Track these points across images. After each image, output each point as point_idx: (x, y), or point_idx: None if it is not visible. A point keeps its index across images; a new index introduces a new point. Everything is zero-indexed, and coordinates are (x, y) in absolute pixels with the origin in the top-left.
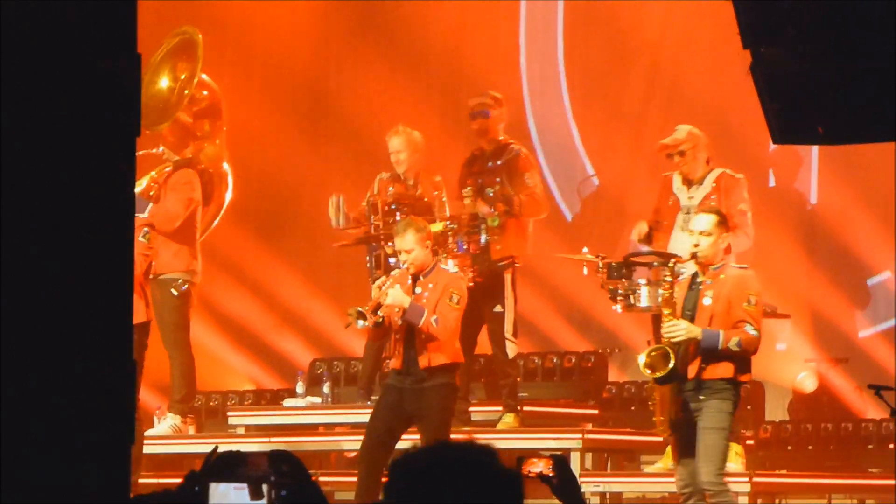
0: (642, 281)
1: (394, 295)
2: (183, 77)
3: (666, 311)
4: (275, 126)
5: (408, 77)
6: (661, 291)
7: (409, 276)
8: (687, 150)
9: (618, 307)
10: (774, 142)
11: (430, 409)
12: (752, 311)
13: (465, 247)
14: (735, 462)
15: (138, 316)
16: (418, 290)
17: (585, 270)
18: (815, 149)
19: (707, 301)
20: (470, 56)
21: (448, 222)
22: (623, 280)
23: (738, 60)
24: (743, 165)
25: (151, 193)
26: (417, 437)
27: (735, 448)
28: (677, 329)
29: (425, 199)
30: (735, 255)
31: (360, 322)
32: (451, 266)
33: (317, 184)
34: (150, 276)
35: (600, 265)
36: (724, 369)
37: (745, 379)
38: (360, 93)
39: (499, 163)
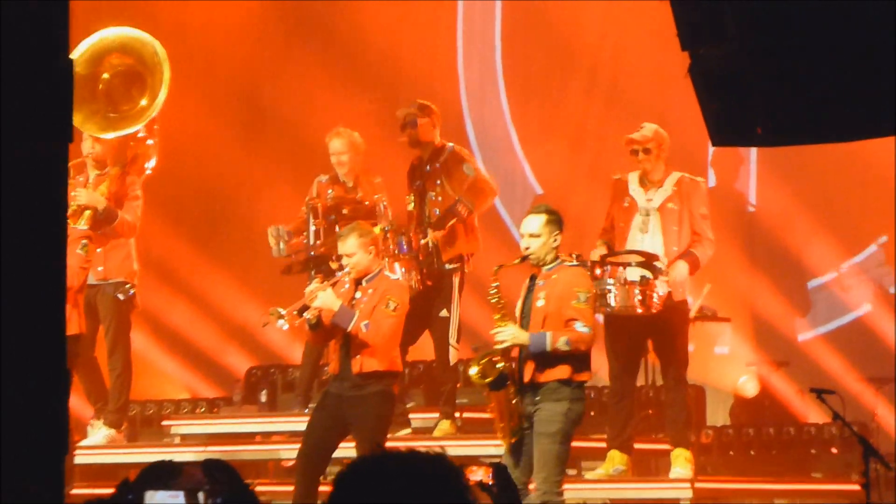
0: (611, 281)
1: (323, 297)
2: (146, 99)
3: (495, 316)
4: (210, 128)
5: (345, 79)
6: (492, 293)
7: (350, 282)
8: (653, 148)
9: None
10: (713, 143)
11: (364, 418)
12: (582, 307)
13: (406, 247)
14: (684, 468)
15: (71, 327)
16: (358, 294)
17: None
18: (753, 151)
19: (540, 303)
20: (408, 57)
21: (384, 225)
22: (597, 280)
23: (678, 62)
24: (683, 167)
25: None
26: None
27: (684, 454)
28: (503, 334)
29: (366, 203)
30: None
31: (280, 322)
32: (397, 271)
33: (253, 187)
34: (95, 283)
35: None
36: (559, 371)
37: (583, 378)
38: (296, 95)
39: (437, 165)
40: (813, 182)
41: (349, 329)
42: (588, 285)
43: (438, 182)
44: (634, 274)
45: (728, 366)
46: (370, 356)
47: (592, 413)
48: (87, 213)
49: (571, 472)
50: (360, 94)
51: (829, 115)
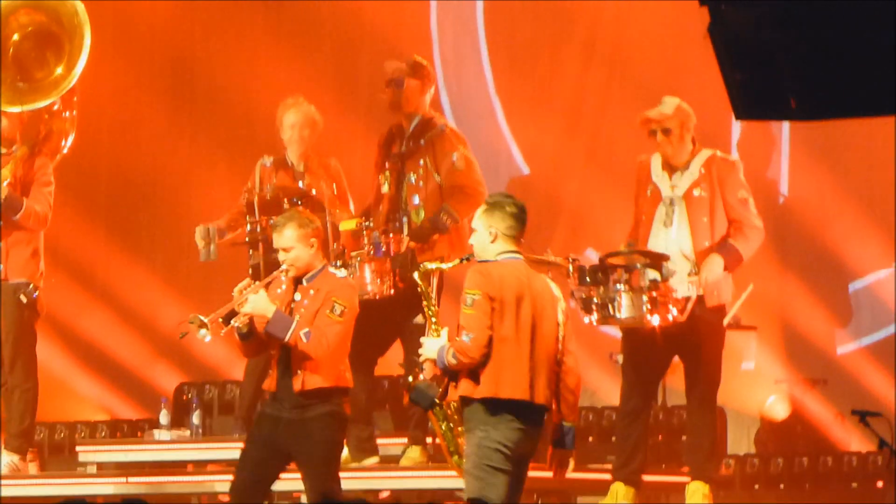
0: (621, 287)
1: (254, 302)
2: (62, 67)
3: (432, 326)
4: (129, 99)
5: (295, 44)
6: (468, 299)
7: (288, 281)
8: (673, 127)
9: (592, 319)
10: (737, 117)
11: (310, 445)
12: (467, 313)
13: (383, 249)
14: None
15: None
16: (297, 296)
17: (549, 275)
18: (785, 130)
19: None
20: (370, 19)
21: (363, 219)
22: (599, 286)
23: (693, 22)
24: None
25: (4, 186)
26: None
27: (702, 489)
28: (422, 349)
29: (313, 192)
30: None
31: (202, 332)
32: (342, 271)
33: (182, 170)
34: None
35: (570, 269)
36: (463, 387)
37: (485, 395)
38: (235, 58)
39: (421, 142)
40: (854, 168)
41: (286, 339)
42: (478, 284)
43: (422, 163)
44: (643, 278)
45: (753, 384)
46: (313, 371)
47: (591, 439)
48: None
49: None
50: (314, 62)
51: (875, 84)
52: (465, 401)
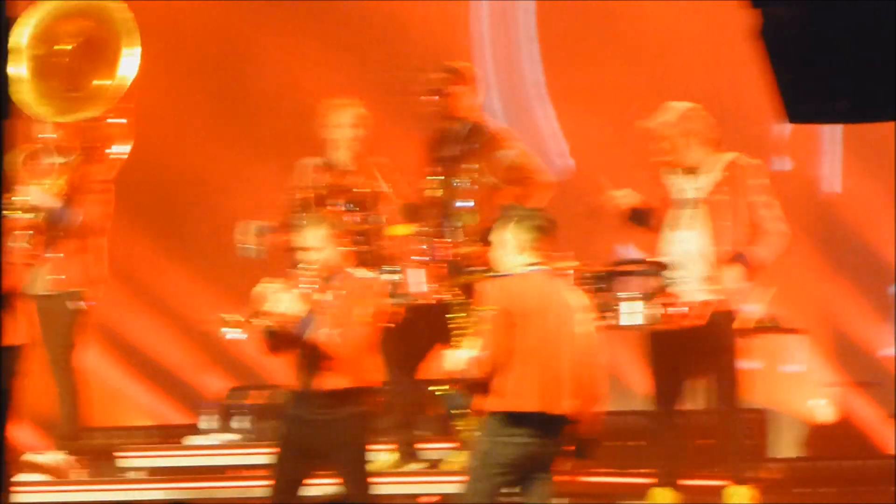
0: (622, 294)
1: (287, 301)
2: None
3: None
4: (175, 105)
5: (340, 46)
6: (487, 314)
7: (316, 281)
8: (674, 134)
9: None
10: (790, 121)
11: (342, 445)
12: (482, 328)
13: (436, 254)
14: None
15: (9, 336)
16: (326, 296)
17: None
18: (836, 129)
19: None
20: (419, 20)
21: (419, 225)
22: (602, 293)
23: (743, 23)
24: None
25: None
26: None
27: (740, 491)
28: (448, 360)
29: (367, 190)
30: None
31: (237, 331)
32: (367, 273)
33: (225, 176)
34: (47, 293)
35: (586, 274)
36: (483, 399)
37: (501, 408)
38: (280, 63)
39: (476, 146)
40: None
41: (315, 339)
42: (495, 299)
43: (476, 166)
44: (644, 286)
45: (801, 387)
46: (341, 371)
47: (616, 443)
48: (40, 215)
49: None
50: (359, 63)
51: None
52: (492, 413)
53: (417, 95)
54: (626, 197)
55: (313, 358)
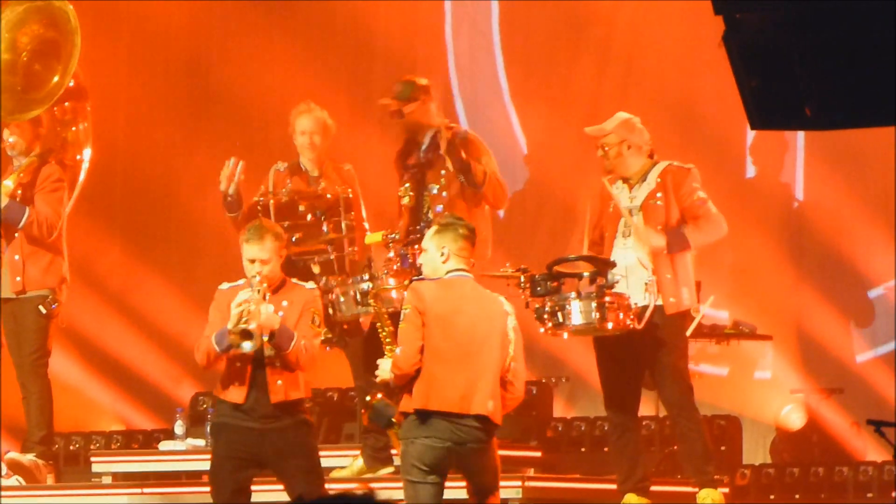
0: (571, 294)
1: (267, 314)
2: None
3: (387, 347)
4: (144, 108)
5: (309, 50)
6: (402, 315)
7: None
8: (610, 143)
9: (546, 328)
10: (752, 127)
11: (293, 452)
12: (402, 327)
13: (409, 261)
14: None
15: None
16: (270, 308)
17: (513, 288)
18: (800, 136)
19: None
20: (385, 23)
21: (388, 231)
22: (549, 295)
23: (709, 30)
24: (715, 155)
25: (18, 194)
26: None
27: (712, 495)
28: (378, 370)
29: (328, 196)
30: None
31: (247, 345)
32: (309, 284)
33: (196, 180)
34: (10, 297)
35: (521, 279)
36: (402, 401)
37: (416, 406)
38: (249, 66)
39: (441, 152)
40: (870, 173)
41: (289, 350)
42: (409, 300)
43: (443, 172)
44: (591, 285)
45: (769, 393)
46: (295, 383)
47: (607, 449)
48: None
49: None
50: (327, 68)
51: (889, 94)
52: (404, 414)
53: (383, 109)
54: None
55: (261, 370)
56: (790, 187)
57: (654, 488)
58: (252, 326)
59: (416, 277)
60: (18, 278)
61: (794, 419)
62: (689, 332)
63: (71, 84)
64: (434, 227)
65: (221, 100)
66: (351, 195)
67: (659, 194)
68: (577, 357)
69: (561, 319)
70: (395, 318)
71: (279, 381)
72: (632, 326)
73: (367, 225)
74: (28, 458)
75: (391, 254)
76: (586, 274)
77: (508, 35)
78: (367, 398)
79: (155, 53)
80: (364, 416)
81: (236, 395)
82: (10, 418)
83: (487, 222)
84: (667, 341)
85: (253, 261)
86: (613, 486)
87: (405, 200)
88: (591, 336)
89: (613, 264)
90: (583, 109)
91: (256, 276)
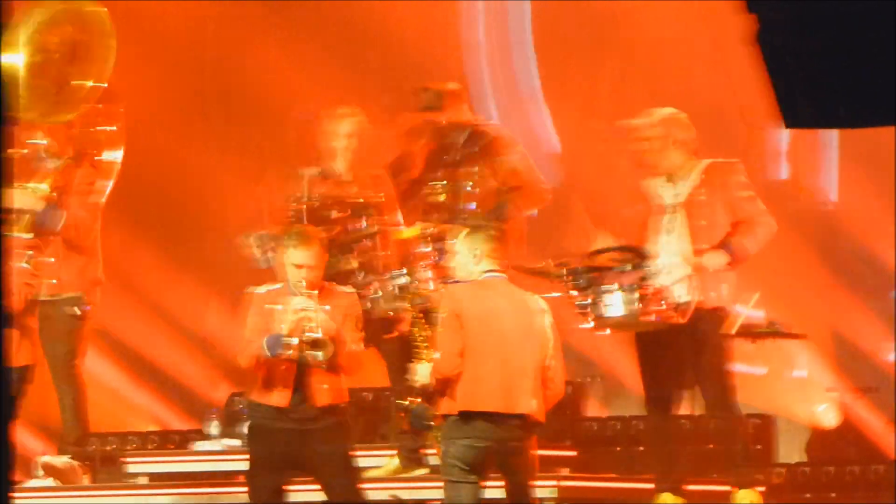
0: (614, 286)
1: (326, 321)
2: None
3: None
4: (173, 114)
5: (338, 54)
6: (438, 319)
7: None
8: (654, 137)
9: (587, 323)
10: (787, 126)
11: (331, 455)
12: (437, 332)
13: (446, 255)
14: None
15: (20, 357)
16: (314, 313)
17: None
18: (833, 136)
19: None
20: (410, 22)
21: (425, 226)
22: (589, 288)
23: (740, 26)
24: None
25: (54, 197)
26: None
27: (750, 496)
28: (416, 374)
29: (361, 200)
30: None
31: (320, 354)
32: (348, 288)
33: (226, 182)
34: (47, 299)
35: (564, 273)
36: (443, 404)
37: (456, 409)
38: (265, 67)
39: (475, 149)
40: None
41: (340, 356)
42: (443, 304)
43: (476, 170)
44: (631, 276)
45: (804, 392)
46: (338, 386)
47: (642, 448)
48: (25, 217)
49: None
50: (357, 72)
51: None
52: (445, 417)
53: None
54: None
55: (305, 373)
56: (822, 190)
57: (689, 487)
58: (319, 335)
59: (448, 282)
60: (54, 281)
61: (830, 418)
62: (733, 331)
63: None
64: (464, 231)
65: (252, 103)
66: (384, 199)
67: (703, 190)
68: (609, 357)
69: (603, 311)
70: (428, 315)
71: (325, 385)
72: (674, 319)
73: (403, 228)
74: (63, 460)
75: (429, 248)
76: (628, 266)
77: (539, 32)
78: (407, 402)
79: (184, 58)
80: (401, 419)
81: (279, 398)
82: (46, 419)
83: (521, 220)
84: (708, 339)
85: (300, 266)
86: (648, 486)
87: (441, 198)
88: (633, 332)
89: (651, 254)
90: (608, 110)
91: (302, 281)
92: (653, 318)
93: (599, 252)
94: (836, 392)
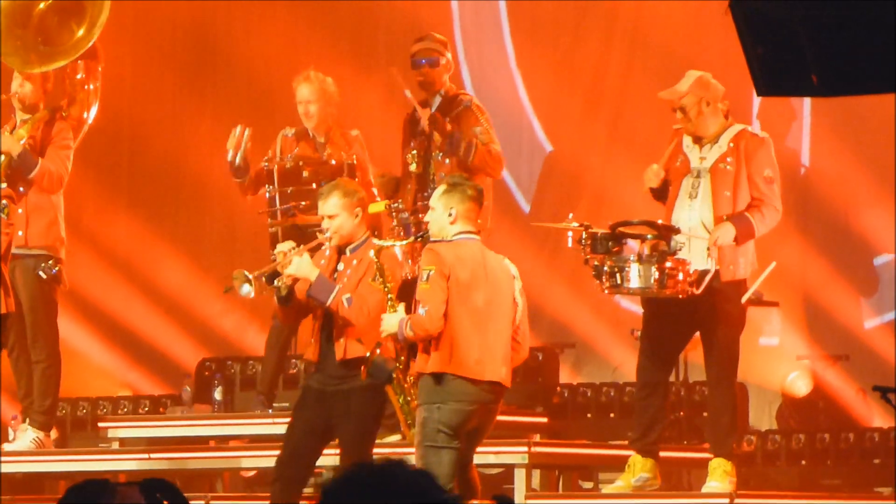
0: (632, 257)
1: (298, 264)
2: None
3: (388, 302)
4: (149, 74)
5: (312, 15)
6: (424, 275)
7: (332, 250)
8: (688, 105)
9: (603, 287)
10: (759, 93)
11: (348, 417)
12: (423, 287)
13: (412, 230)
14: (722, 481)
15: None
16: (340, 266)
17: (571, 242)
18: (806, 102)
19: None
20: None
21: (391, 201)
22: (610, 255)
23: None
24: None
25: (28, 146)
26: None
27: (723, 465)
28: (382, 325)
29: (333, 162)
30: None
31: (245, 289)
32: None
33: (203, 147)
34: (15, 252)
35: (584, 236)
36: (418, 361)
37: (435, 369)
38: (254, 35)
39: (447, 119)
40: (876, 140)
41: (328, 303)
42: (433, 261)
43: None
44: (653, 249)
45: (775, 360)
46: (355, 340)
47: (612, 415)
48: (2, 159)
49: (587, 485)
50: (330, 33)
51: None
52: (420, 375)
53: (392, 58)
54: (657, 174)
55: (328, 326)
56: (797, 154)
57: (665, 454)
58: (288, 270)
59: (418, 235)
60: (21, 233)
61: (800, 386)
62: (744, 300)
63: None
64: (442, 187)
65: (227, 66)
66: (356, 161)
67: (729, 159)
68: (583, 324)
69: (619, 281)
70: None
71: (341, 338)
72: (690, 293)
73: (375, 191)
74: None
75: (394, 223)
76: (649, 237)
77: (514, 2)
78: (367, 354)
79: (160, 22)
80: (363, 373)
81: (311, 352)
82: (13, 384)
83: (489, 191)
84: (721, 309)
85: (322, 217)
86: (619, 452)
87: (412, 167)
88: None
89: (677, 230)
90: (588, 79)
91: (326, 230)
92: (667, 291)
93: (624, 224)
94: (808, 359)
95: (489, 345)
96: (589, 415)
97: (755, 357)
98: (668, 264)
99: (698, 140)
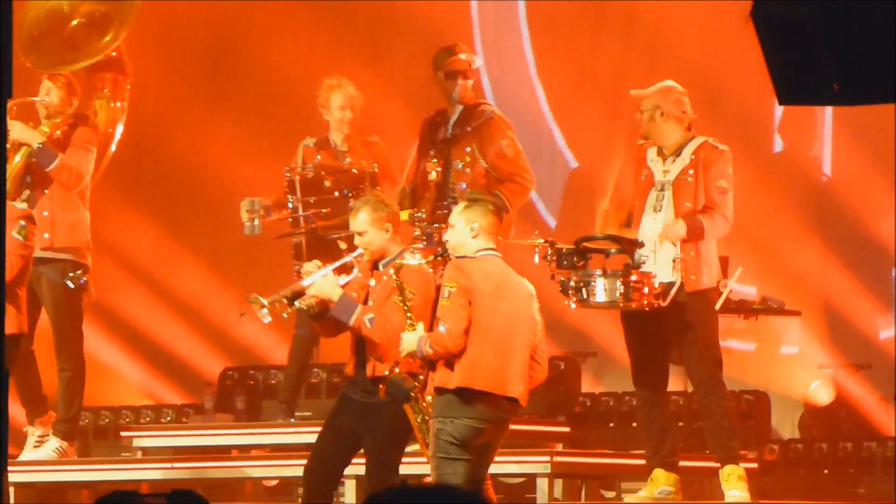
0: (597, 272)
1: (319, 284)
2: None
3: (408, 321)
4: (170, 84)
5: (331, 23)
6: (445, 292)
7: (366, 266)
8: (645, 108)
9: (571, 302)
10: (780, 102)
11: (375, 431)
12: (444, 304)
13: (435, 238)
14: (740, 489)
15: (9, 326)
16: (372, 281)
17: (537, 258)
18: (828, 111)
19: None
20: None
21: (415, 210)
22: (576, 270)
23: (734, 5)
24: (743, 131)
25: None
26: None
27: (736, 472)
28: (401, 343)
29: (354, 171)
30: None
31: (262, 312)
32: (416, 257)
33: (223, 156)
34: (40, 256)
35: (549, 252)
36: (439, 377)
37: (459, 385)
38: (273, 42)
39: (468, 129)
40: None
41: (350, 323)
42: (454, 277)
43: (469, 150)
44: (616, 263)
45: (797, 369)
46: (383, 357)
47: (634, 424)
48: (23, 150)
49: (609, 494)
50: (351, 36)
51: None
52: (440, 391)
53: (411, 67)
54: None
55: (360, 343)
56: (818, 162)
57: (682, 463)
58: (310, 290)
59: (437, 255)
60: (47, 235)
61: (823, 394)
62: (717, 306)
63: (114, 55)
64: (462, 203)
65: (246, 75)
66: (377, 169)
67: (691, 171)
68: (604, 332)
69: (585, 296)
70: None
71: (371, 356)
72: (656, 304)
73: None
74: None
75: (417, 232)
76: (613, 251)
77: (533, 10)
78: (386, 372)
79: (181, 30)
80: (381, 391)
81: (349, 366)
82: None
83: (515, 205)
84: (691, 318)
85: (359, 233)
86: (641, 462)
87: (432, 175)
88: (616, 310)
89: (640, 244)
90: (608, 85)
91: (357, 248)
92: (633, 305)
93: (588, 239)
94: (830, 368)
95: (511, 360)
96: (611, 424)
97: (777, 366)
98: (633, 277)
99: (661, 153)
